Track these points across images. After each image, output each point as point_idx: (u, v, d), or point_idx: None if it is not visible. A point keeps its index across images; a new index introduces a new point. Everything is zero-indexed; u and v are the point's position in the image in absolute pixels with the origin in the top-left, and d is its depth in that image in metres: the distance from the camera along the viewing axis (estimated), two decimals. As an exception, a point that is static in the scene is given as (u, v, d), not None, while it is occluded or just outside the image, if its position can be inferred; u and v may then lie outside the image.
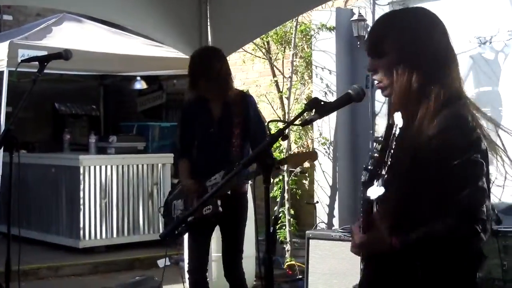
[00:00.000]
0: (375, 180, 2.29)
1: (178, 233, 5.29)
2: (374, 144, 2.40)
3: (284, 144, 9.17)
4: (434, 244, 2.42)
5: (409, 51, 2.58)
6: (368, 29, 8.86)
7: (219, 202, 5.31)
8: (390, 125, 2.34)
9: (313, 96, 9.00)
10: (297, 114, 2.76)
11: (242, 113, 5.46)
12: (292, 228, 9.09)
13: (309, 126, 9.58)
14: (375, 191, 2.28)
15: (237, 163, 5.17)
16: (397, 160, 2.39)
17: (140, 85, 12.22)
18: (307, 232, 7.08)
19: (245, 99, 5.57)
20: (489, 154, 2.56)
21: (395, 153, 2.35)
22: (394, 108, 2.52)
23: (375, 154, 2.31)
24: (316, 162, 9.35)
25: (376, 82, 2.68)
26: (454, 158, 2.42)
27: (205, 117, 5.52)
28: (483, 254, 2.61)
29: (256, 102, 5.73)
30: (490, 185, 2.55)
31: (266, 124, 6.18)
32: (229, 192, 5.28)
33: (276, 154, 9.32)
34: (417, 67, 2.55)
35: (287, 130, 2.76)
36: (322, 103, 2.62)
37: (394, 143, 2.34)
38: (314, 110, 2.62)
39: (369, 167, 2.32)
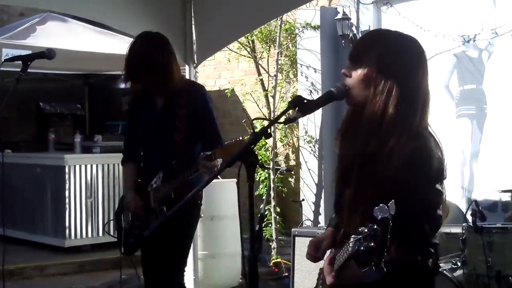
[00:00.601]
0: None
1: (129, 248, 4.93)
2: None
3: (269, 142, 9.19)
4: (396, 270, 2.44)
5: (392, 74, 2.62)
6: (353, 28, 8.89)
7: (164, 208, 4.68)
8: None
9: (298, 95, 9.02)
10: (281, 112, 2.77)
11: (187, 105, 4.75)
12: (278, 225, 9.11)
13: (295, 124, 9.61)
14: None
15: (174, 161, 4.70)
16: (361, 189, 2.56)
17: (125, 84, 12.17)
18: (293, 229, 7.08)
19: (193, 89, 4.88)
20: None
21: (358, 180, 2.54)
22: (364, 127, 2.62)
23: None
24: (301, 160, 9.38)
25: (344, 85, 2.70)
26: (418, 187, 2.53)
27: (147, 111, 4.92)
28: (438, 264, 2.74)
29: (210, 97, 4.99)
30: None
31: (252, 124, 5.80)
32: (172, 196, 4.62)
33: (261, 152, 9.34)
34: (396, 94, 2.60)
35: (271, 128, 2.77)
36: (305, 101, 2.64)
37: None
38: (297, 108, 2.64)
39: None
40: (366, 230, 2.19)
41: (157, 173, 4.74)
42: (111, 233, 5.46)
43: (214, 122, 4.89)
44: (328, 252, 2.86)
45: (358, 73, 2.67)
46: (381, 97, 2.60)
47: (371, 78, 2.64)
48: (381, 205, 2.15)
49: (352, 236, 2.28)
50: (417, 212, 2.52)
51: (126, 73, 4.85)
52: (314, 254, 2.92)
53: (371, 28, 8.80)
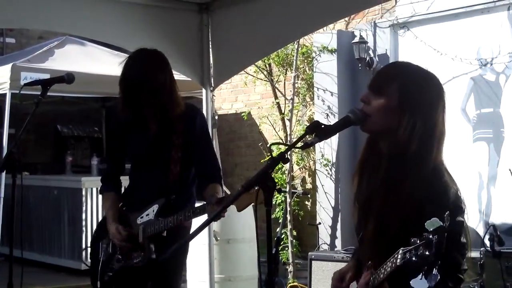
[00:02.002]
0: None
1: (104, 283, 4.37)
2: None
3: (286, 166, 9.18)
4: None
5: (413, 109, 2.65)
6: (369, 51, 8.90)
7: (152, 247, 4.18)
8: None
9: (314, 118, 9.03)
10: (299, 135, 2.77)
11: (184, 132, 4.26)
12: (294, 249, 9.09)
13: (311, 148, 9.60)
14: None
15: (173, 196, 4.23)
16: (385, 221, 2.57)
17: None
18: (309, 253, 7.07)
19: (190, 114, 4.33)
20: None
21: (381, 212, 2.56)
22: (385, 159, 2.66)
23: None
24: (318, 183, 9.36)
25: (361, 111, 2.71)
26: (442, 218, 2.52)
27: (139, 135, 4.37)
28: None
29: (206, 121, 4.64)
30: None
31: (267, 147, 5.68)
32: (164, 234, 4.17)
33: (278, 175, 9.33)
34: (419, 129, 2.63)
35: (288, 154, 2.78)
36: (323, 126, 2.65)
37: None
38: (314, 134, 2.65)
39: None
40: (419, 241, 2.20)
41: (148, 204, 4.27)
42: (87, 261, 4.99)
43: (213, 152, 4.53)
44: (354, 283, 2.87)
45: (378, 102, 2.69)
46: (404, 131, 2.63)
47: (392, 109, 2.66)
48: (433, 218, 2.18)
49: (401, 248, 2.29)
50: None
51: (124, 97, 4.28)
52: (339, 285, 2.92)
53: (388, 52, 8.82)
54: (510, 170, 5.73)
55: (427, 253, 2.16)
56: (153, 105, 4.22)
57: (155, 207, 4.24)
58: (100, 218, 9.64)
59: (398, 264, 2.32)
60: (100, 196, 9.66)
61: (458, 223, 2.58)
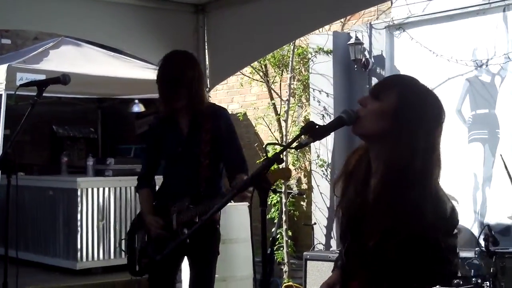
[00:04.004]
0: None
1: (141, 269, 4.82)
2: None
3: (281, 166, 9.19)
4: None
5: (410, 118, 2.61)
6: (365, 53, 8.92)
7: (186, 231, 4.60)
8: None
9: (310, 119, 9.04)
10: (294, 136, 2.79)
11: (212, 129, 4.69)
12: (289, 249, 9.10)
13: (307, 148, 9.62)
14: None
15: (202, 188, 4.64)
16: (390, 240, 2.52)
17: (138, 108, 12.23)
18: (304, 253, 7.09)
19: (216, 113, 4.80)
20: None
21: (387, 231, 2.52)
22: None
23: None
24: (313, 184, 9.38)
25: (354, 112, 2.70)
26: (439, 232, 2.54)
27: (172, 135, 4.80)
28: None
29: (230, 117, 4.95)
30: None
31: (262, 145, 5.74)
32: (196, 220, 4.56)
33: (273, 176, 9.32)
34: (420, 147, 2.59)
35: (283, 154, 2.79)
36: (317, 126, 2.65)
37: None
38: (308, 134, 2.65)
39: None
40: (462, 282, 2.25)
41: (181, 197, 4.66)
42: (123, 253, 5.32)
43: (239, 146, 4.90)
44: None
45: (373, 105, 2.67)
46: (405, 142, 2.58)
47: (385, 114, 2.62)
48: (474, 260, 2.25)
49: (438, 286, 2.33)
50: (440, 255, 2.53)
51: (163, 95, 4.71)
52: None
53: (384, 53, 8.84)
54: (501, 155, 5.72)
55: None
56: (184, 99, 4.63)
57: (187, 198, 4.63)
58: (95, 219, 9.70)
59: None
60: (95, 197, 9.71)
61: (454, 236, 2.61)
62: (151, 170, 5.00)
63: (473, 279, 2.07)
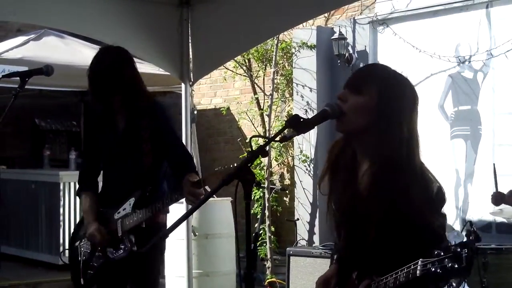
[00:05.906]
0: None
1: (87, 281, 4.53)
2: None
3: (264, 161, 9.19)
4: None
5: (392, 111, 2.64)
6: (349, 48, 8.92)
7: (133, 238, 4.32)
8: None
9: (295, 114, 9.05)
10: (277, 131, 2.79)
11: (150, 125, 4.41)
12: (272, 245, 9.10)
13: (290, 143, 9.62)
14: None
15: (149, 187, 4.37)
16: (389, 230, 2.55)
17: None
18: (287, 249, 7.09)
19: (154, 108, 4.52)
20: None
21: (383, 222, 2.54)
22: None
23: None
24: (296, 179, 9.38)
25: (339, 106, 2.71)
26: (429, 212, 2.57)
27: (109, 134, 4.53)
28: None
29: (166, 111, 4.62)
30: None
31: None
32: (143, 226, 4.30)
33: (256, 171, 9.34)
34: (403, 132, 2.64)
35: (267, 147, 2.78)
36: (301, 120, 2.65)
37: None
38: (293, 127, 2.65)
39: None
40: (443, 253, 2.23)
41: (124, 199, 4.38)
42: (67, 261, 5.04)
43: (180, 141, 4.69)
44: None
45: (356, 100, 2.68)
46: (392, 138, 2.62)
47: (369, 109, 2.65)
48: (454, 231, 2.23)
49: (420, 260, 2.30)
50: (430, 237, 2.53)
51: (93, 91, 4.47)
52: None
53: (367, 49, 8.84)
54: (494, 165, 5.75)
55: (456, 266, 2.19)
56: (119, 98, 4.43)
57: (132, 200, 4.35)
58: (78, 213, 9.65)
59: (418, 275, 2.31)
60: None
61: (442, 216, 2.64)
62: (92, 170, 4.69)
63: (452, 248, 2.09)
